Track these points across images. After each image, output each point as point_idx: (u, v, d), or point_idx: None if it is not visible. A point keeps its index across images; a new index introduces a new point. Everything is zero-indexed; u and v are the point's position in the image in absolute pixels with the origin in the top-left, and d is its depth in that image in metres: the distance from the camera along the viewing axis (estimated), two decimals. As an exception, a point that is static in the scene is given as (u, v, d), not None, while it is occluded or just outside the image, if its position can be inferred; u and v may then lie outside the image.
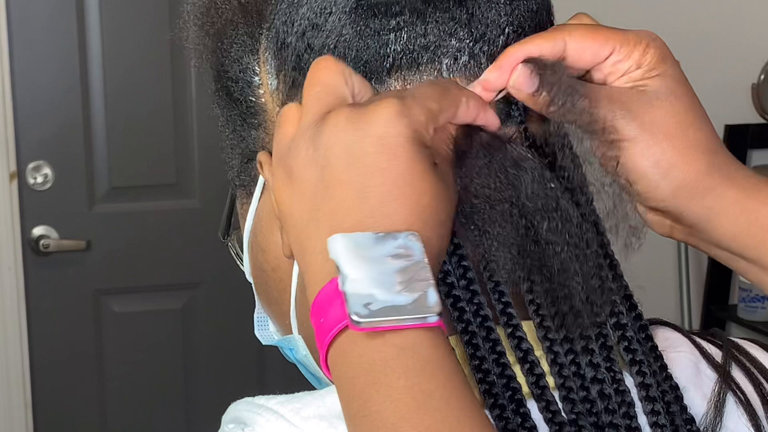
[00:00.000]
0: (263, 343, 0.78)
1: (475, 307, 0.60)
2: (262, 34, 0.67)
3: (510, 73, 0.62)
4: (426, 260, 0.55)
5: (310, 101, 0.59)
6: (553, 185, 0.61)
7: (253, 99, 0.68)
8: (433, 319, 0.54)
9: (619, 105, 0.62)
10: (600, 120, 0.62)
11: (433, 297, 0.54)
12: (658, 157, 0.63)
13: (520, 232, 0.60)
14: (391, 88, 0.63)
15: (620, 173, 0.63)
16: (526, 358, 0.60)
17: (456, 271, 0.60)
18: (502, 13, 0.64)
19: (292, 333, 0.71)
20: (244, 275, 0.75)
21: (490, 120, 0.62)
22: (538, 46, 0.62)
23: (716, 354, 0.67)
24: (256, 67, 0.67)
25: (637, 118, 0.62)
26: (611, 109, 0.62)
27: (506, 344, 0.60)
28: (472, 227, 0.61)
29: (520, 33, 0.64)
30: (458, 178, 0.61)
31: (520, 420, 0.57)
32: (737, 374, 0.66)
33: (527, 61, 0.62)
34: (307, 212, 0.58)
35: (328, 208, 0.57)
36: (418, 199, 0.56)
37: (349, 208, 0.56)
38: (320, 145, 0.57)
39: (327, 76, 0.60)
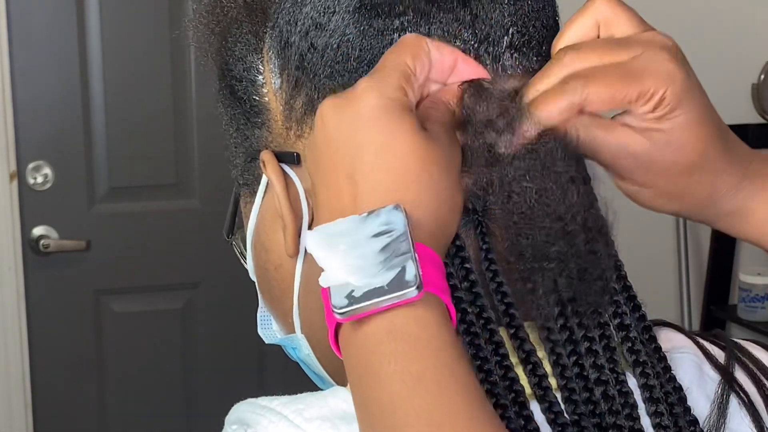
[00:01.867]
0: (266, 342, 0.78)
1: (478, 309, 0.59)
2: (266, 33, 0.66)
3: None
4: (407, 231, 0.54)
5: None
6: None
7: (257, 98, 0.68)
8: (412, 293, 0.52)
9: (627, 154, 0.62)
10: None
11: (410, 271, 0.52)
12: (666, 201, 0.64)
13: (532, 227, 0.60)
14: None
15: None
16: (528, 360, 0.59)
17: (458, 273, 0.60)
18: (506, 14, 0.63)
19: (294, 332, 0.71)
20: (245, 274, 0.75)
21: (474, 68, 0.61)
22: (560, 107, 0.60)
23: (719, 355, 0.67)
24: (260, 66, 0.67)
25: (647, 167, 0.62)
26: (620, 157, 0.62)
27: (509, 346, 0.60)
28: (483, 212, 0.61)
29: (524, 33, 0.64)
30: (472, 138, 0.60)
31: (523, 422, 0.57)
32: (740, 375, 0.66)
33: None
34: (316, 204, 0.59)
35: (326, 196, 0.58)
36: (401, 164, 0.55)
37: (340, 192, 0.56)
38: (314, 139, 0.59)
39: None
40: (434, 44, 0.60)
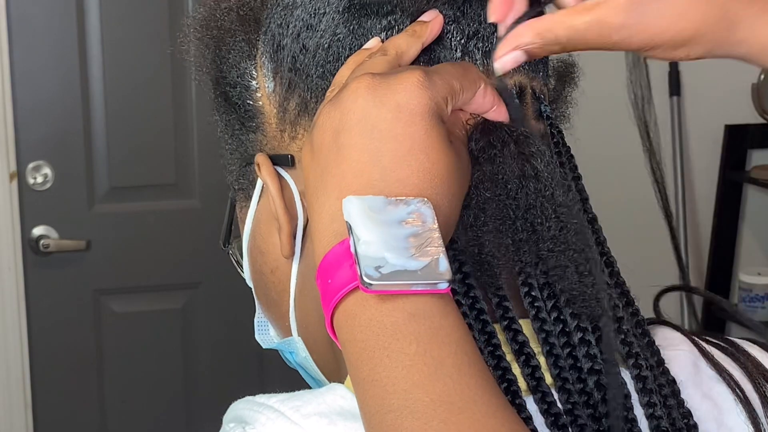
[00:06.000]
0: (263, 347, 0.78)
1: (471, 301, 0.60)
2: (258, 39, 0.68)
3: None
4: (437, 227, 0.55)
5: (345, 72, 0.61)
6: (567, 186, 0.62)
7: (251, 102, 0.69)
8: (443, 285, 0.54)
9: (611, 30, 0.60)
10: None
11: (443, 264, 0.54)
12: (684, 51, 0.61)
13: (518, 224, 0.61)
14: None
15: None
16: (521, 351, 0.60)
17: (452, 265, 0.61)
18: None
19: (291, 335, 0.71)
20: (245, 278, 0.76)
21: (502, 114, 0.62)
22: None
23: (715, 353, 0.68)
24: (254, 72, 0.68)
25: (638, 35, 0.60)
26: (606, 38, 0.60)
27: (502, 338, 0.61)
28: (470, 213, 0.61)
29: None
30: (475, 165, 0.61)
31: (516, 411, 0.57)
32: (736, 372, 0.67)
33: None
34: (319, 173, 0.58)
35: (338, 169, 0.57)
36: (430, 167, 0.56)
37: (359, 170, 0.56)
38: (337, 110, 0.57)
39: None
40: (486, 88, 0.61)
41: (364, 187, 0.56)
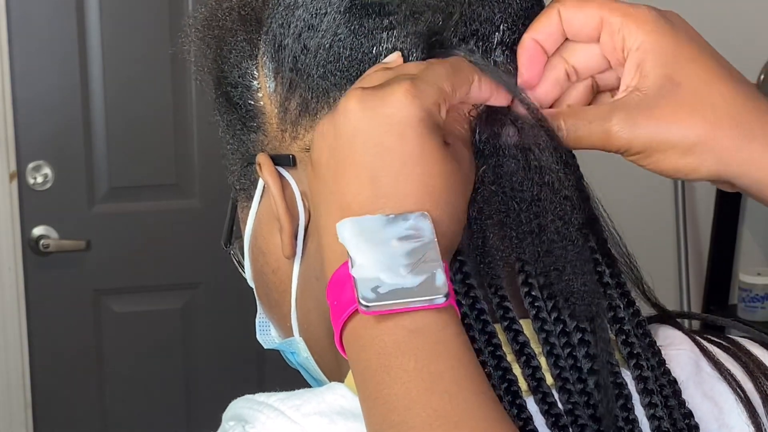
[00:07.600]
0: (265, 347, 0.79)
1: (471, 301, 0.60)
2: (260, 39, 0.68)
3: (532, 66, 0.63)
4: (435, 240, 0.55)
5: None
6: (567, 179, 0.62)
7: (252, 102, 0.68)
8: (441, 300, 0.54)
9: (620, 118, 0.60)
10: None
11: (440, 278, 0.54)
12: (677, 160, 0.60)
13: (520, 220, 0.61)
14: None
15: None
16: (522, 351, 0.60)
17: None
18: (495, 11, 0.64)
19: (293, 335, 0.71)
20: (246, 279, 0.76)
21: (502, 99, 0.62)
22: (537, 27, 0.63)
23: (716, 352, 0.68)
24: (255, 72, 0.68)
25: (643, 129, 0.60)
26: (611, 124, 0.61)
27: (503, 338, 0.60)
28: (475, 207, 0.61)
29: (515, 31, 0.65)
30: (480, 158, 0.61)
31: (516, 412, 0.58)
32: (737, 372, 0.67)
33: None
34: (321, 192, 0.59)
35: (337, 187, 0.57)
36: (428, 180, 0.56)
37: (357, 188, 0.56)
38: (331, 125, 0.58)
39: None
40: (481, 80, 0.61)
41: (362, 205, 0.56)
